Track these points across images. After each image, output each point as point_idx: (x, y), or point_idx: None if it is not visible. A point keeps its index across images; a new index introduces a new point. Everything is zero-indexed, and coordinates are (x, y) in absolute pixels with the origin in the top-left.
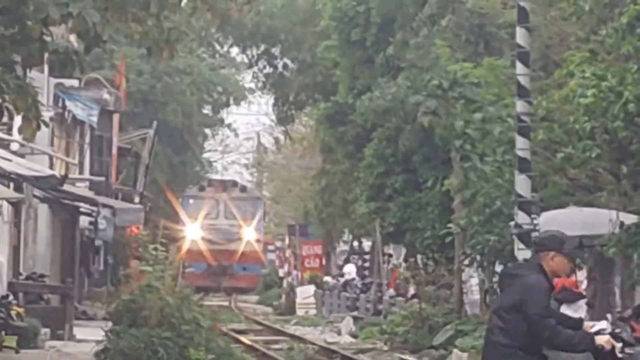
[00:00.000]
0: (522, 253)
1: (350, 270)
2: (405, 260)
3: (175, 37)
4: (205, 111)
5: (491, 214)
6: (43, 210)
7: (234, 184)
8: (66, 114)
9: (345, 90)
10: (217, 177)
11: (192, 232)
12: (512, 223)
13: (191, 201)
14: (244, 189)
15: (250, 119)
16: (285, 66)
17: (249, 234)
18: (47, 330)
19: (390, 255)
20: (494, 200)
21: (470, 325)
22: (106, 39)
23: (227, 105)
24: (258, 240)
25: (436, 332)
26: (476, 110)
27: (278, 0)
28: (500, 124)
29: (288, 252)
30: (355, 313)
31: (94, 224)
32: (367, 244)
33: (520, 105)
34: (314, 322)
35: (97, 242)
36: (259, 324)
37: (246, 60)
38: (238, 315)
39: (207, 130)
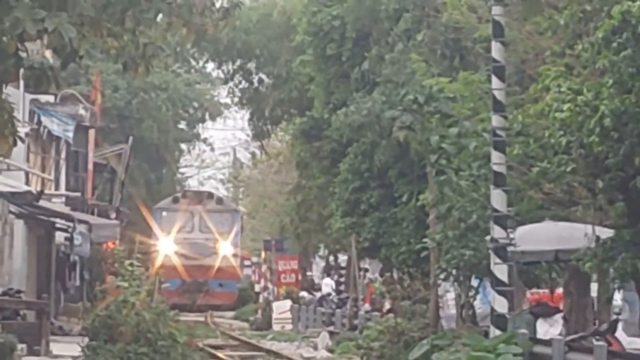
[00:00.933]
0: (498, 267)
1: (328, 283)
2: (381, 275)
3: (151, 53)
4: (181, 126)
5: (467, 228)
6: (19, 226)
7: (210, 195)
8: (42, 129)
9: (321, 105)
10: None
11: (165, 246)
12: (488, 237)
13: (164, 214)
14: (220, 201)
15: (226, 134)
16: (260, 81)
17: (226, 249)
18: (24, 346)
19: (366, 270)
20: (469, 215)
21: (447, 339)
22: (82, 55)
23: (203, 120)
24: (235, 255)
25: (412, 346)
26: (452, 125)
27: (253, 16)
28: (475, 139)
29: (264, 267)
30: (331, 328)
31: (70, 239)
32: (343, 259)
33: (495, 120)
34: (290, 337)
35: (73, 258)
36: (235, 339)
37: (222, 76)
38: (214, 330)
39: (183, 146)
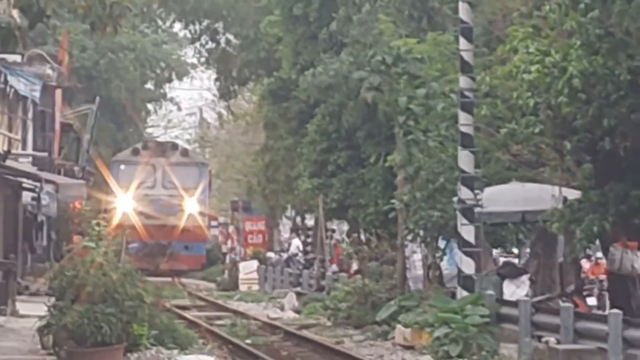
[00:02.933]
0: (466, 229)
1: (297, 244)
2: (348, 235)
3: (118, 12)
4: (148, 86)
5: (434, 189)
6: None
7: (174, 146)
8: (8, 89)
9: (289, 65)
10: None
11: (124, 203)
12: (455, 199)
13: (123, 167)
14: (185, 152)
15: (193, 94)
16: (228, 42)
17: (192, 206)
18: None
19: (333, 231)
20: (437, 176)
21: (414, 300)
22: (49, 14)
23: (170, 80)
24: (202, 214)
25: (379, 307)
26: (419, 86)
27: None
28: (443, 100)
29: (231, 228)
30: (298, 289)
31: (37, 199)
32: (310, 221)
33: (463, 81)
34: (257, 297)
35: (40, 218)
36: (202, 299)
37: (189, 36)
38: (181, 291)
39: (150, 106)
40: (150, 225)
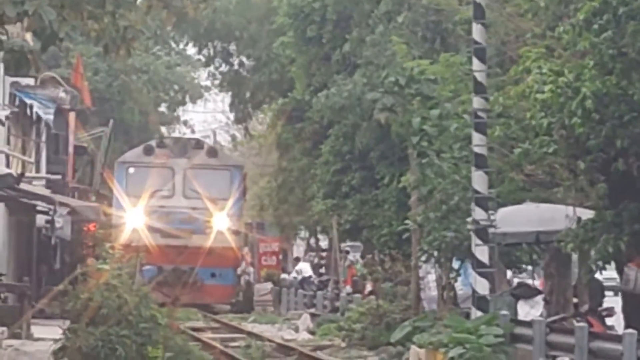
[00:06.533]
0: (480, 249)
1: (303, 268)
2: (362, 257)
3: (131, 35)
4: (161, 109)
5: (448, 210)
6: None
7: (198, 144)
8: (22, 112)
9: (302, 87)
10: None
11: (133, 217)
12: (469, 219)
13: (132, 170)
14: (213, 152)
15: (207, 117)
16: (241, 64)
17: (221, 222)
18: (5, 329)
19: (347, 252)
20: (451, 197)
21: (428, 321)
22: (62, 37)
23: (184, 103)
24: (235, 232)
25: (393, 328)
26: (433, 107)
27: None
28: (457, 121)
29: (245, 249)
30: (312, 310)
31: (51, 222)
32: (324, 243)
33: (476, 102)
34: (271, 319)
35: (54, 241)
36: (217, 321)
37: (202, 58)
38: (195, 312)
39: (164, 129)
40: (167, 246)
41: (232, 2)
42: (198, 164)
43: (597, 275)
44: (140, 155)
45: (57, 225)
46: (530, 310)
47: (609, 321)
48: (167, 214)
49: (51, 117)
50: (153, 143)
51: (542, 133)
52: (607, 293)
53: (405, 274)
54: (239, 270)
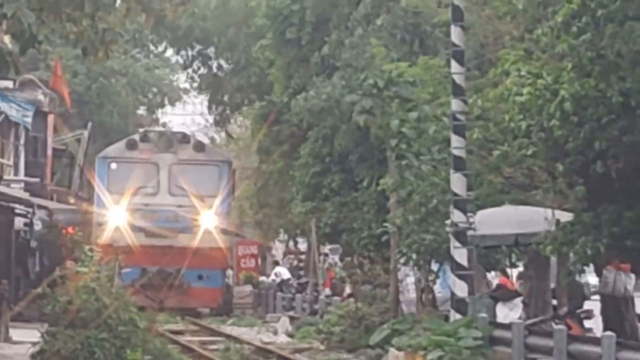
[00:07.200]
0: (458, 251)
1: (281, 271)
2: (341, 259)
3: (110, 38)
4: (140, 112)
5: (427, 212)
6: None
7: (185, 138)
8: (2, 115)
9: (281, 89)
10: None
11: (115, 215)
12: (448, 222)
13: (113, 166)
14: (200, 146)
15: (185, 119)
16: (219, 67)
17: (209, 221)
18: None
19: (326, 255)
20: (429, 199)
21: (407, 324)
22: (41, 40)
23: (162, 105)
24: (223, 231)
25: (372, 331)
26: (411, 109)
27: (212, 2)
28: (435, 123)
29: None
30: (291, 313)
31: (30, 225)
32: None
33: (455, 104)
34: (250, 322)
35: (33, 244)
36: (196, 324)
37: (181, 61)
38: (174, 315)
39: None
40: (152, 246)
41: (210, 6)
42: (184, 159)
43: (591, 280)
44: (122, 150)
45: (36, 227)
46: (509, 313)
47: (587, 323)
48: (152, 212)
49: (29, 119)
50: (136, 137)
51: (520, 135)
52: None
53: (384, 276)
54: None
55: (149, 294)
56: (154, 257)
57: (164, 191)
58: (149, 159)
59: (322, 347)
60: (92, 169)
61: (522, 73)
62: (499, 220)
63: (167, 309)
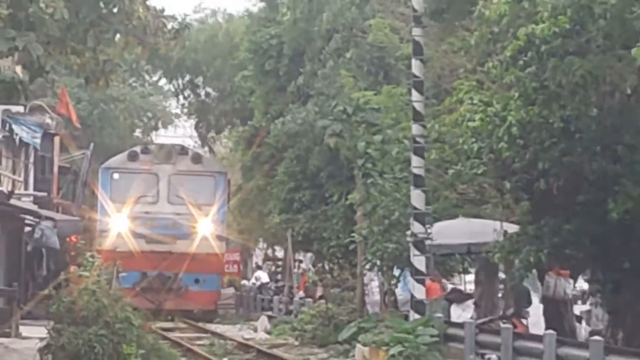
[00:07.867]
0: (417, 259)
1: (261, 275)
2: (314, 265)
3: (110, 68)
4: (136, 134)
5: (390, 224)
6: None
7: (183, 150)
8: (12, 136)
9: (261, 115)
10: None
11: (117, 223)
12: (408, 232)
13: (116, 176)
14: (197, 158)
15: (176, 141)
16: (207, 94)
17: (206, 228)
18: None
19: (300, 261)
20: (392, 212)
21: (371, 322)
22: (49, 70)
23: (156, 128)
24: (219, 238)
25: (341, 329)
26: (376, 133)
27: (201, 37)
28: (397, 145)
29: None
30: (269, 313)
31: (37, 233)
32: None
33: (415, 129)
34: (233, 321)
35: (41, 250)
36: (184, 322)
37: (172, 89)
38: (165, 315)
39: None
40: (151, 252)
41: (200, 40)
42: (183, 170)
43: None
44: (124, 161)
45: (40, 236)
46: (462, 313)
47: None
48: (152, 220)
49: (38, 141)
50: (137, 149)
51: (472, 156)
52: None
53: (352, 280)
54: None
55: (149, 297)
56: (153, 262)
57: (163, 200)
58: (149, 169)
59: (296, 343)
60: (94, 185)
61: (475, 101)
62: (453, 231)
63: (165, 311)
